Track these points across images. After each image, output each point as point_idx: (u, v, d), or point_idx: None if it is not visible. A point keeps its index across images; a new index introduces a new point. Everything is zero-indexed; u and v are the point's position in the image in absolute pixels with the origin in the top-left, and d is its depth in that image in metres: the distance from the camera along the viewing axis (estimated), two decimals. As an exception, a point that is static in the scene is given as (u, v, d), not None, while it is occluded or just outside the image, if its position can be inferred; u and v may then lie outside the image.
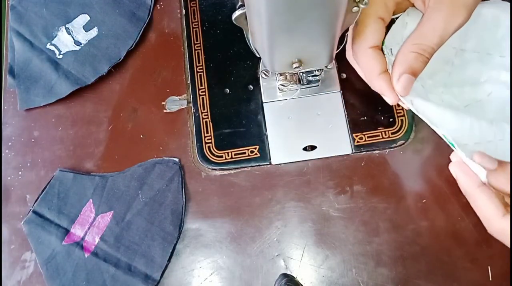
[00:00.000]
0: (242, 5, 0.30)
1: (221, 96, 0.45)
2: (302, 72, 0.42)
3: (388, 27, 0.35)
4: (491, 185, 0.29)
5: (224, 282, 0.41)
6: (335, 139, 0.43)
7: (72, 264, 0.41)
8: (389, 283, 0.39)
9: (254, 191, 0.42)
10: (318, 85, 0.44)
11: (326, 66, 0.42)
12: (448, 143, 0.31)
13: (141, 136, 0.45)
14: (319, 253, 0.40)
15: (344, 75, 0.44)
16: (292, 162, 0.43)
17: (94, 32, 0.48)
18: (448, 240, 0.39)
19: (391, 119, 0.43)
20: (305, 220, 0.41)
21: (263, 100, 0.44)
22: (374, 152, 0.42)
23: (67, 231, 0.43)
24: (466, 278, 0.38)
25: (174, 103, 0.46)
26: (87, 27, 0.48)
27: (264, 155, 0.43)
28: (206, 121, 0.44)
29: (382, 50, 0.34)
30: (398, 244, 0.40)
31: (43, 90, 0.46)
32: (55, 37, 0.48)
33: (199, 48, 0.47)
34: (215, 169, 0.43)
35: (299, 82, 0.43)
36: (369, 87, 0.34)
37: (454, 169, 0.32)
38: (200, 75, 0.46)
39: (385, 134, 0.42)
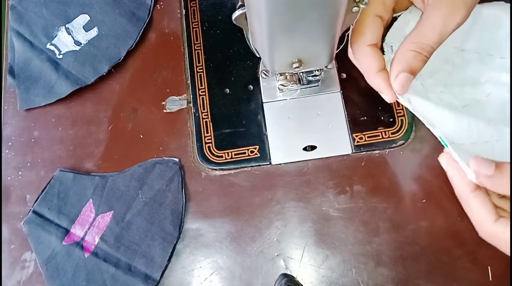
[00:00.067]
0: (242, 5, 0.30)
1: (221, 96, 0.45)
2: (302, 72, 0.42)
3: (390, 25, 0.35)
4: (488, 188, 0.29)
5: (224, 282, 0.41)
6: (335, 139, 0.43)
7: (72, 264, 0.41)
8: (389, 283, 0.39)
9: (254, 191, 0.42)
10: (318, 85, 0.44)
11: (326, 66, 0.42)
12: (443, 144, 0.31)
13: (141, 136, 0.45)
14: (319, 253, 0.40)
15: (344, 75, 0.44)
16: (292, 162, 0.43)
17: (94, 32, 0.48)
18: (448, 240, 0.39)
19: (391, 119, 0.43)
20: (305, 220, 0.41)
21: (263, 100, 0.44)
22: (374, 152, 0.42)
23: (67, 231, 0.43)
24: (466, 278, 0.38)
25: (174, 103, 0.46)
26: (87, 27, 0.48)
27: (264, 155, 0.43)
28: (206, 121, 0.44)
29: (382, 47, 0.34)
30: (398, 244, 0.40)
31: (43, 90, 0.46)
32: (55, 37, 0.48)
33: (199, 48, 0.47)
34: (215, 169, 0.43)
35: (299, 82, 0.43)
36: (369, 87, 0.34)
37: (446, 165, 0.32)
38: (200, 75, 0.46)
39: (385, 134, 0.42)
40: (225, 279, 0.41)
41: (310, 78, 0.43)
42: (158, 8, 0.49)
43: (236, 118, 0.44)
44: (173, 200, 0.42)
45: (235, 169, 0.43)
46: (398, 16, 0.35)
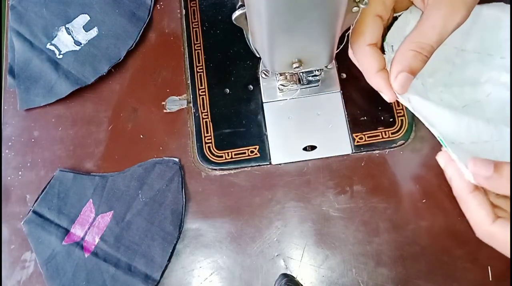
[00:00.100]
0: (242, 5, 0.30)
1: (221, 96, 0.45)
2: (302, 72, 0.42)
3: (391, 25, 0.35)
4: (488, 189, 0.29)
5: (224, 282, 0.41)
6: (335, 139, 0.43)
7: (72, 264, 0.41)
8: (389, 283, 0.39)
9: (254, 191, 0.42)
10: (318, 85, 0.44)
11: (326, 66, 0.42)
12: (442, 144, 0.31)
13: (141, 136, 0.45)
14: (319, 253, 0.40)
15: (344, 75, 0.44)
16: (292, 162, 0.43)
17: (94, 32, 0.48)
18: (448, 240, 0.39)
19: (391, 119, 0.43)
20: (305, 220, 0.41)
21: (263, 100, 0.44)
22: (374, 152, 0.42)
23: (67, 231, 0.43)
24: (466, 278, 0.38)
25: (174, 103, 0.46)
26: (87, 27, 0.48)
27: (264, 155, 0.43)
28: (206, 121, 0.44)
29: (382, 47, 0.34)
30: (398, 244, 0.40)
31: (43, 90, 0.46)
32: (55, 37, 0.48)
33: (199, 48, 0.47)
34: (215, 169, 0.43)
35: (299, 82, 0.43)
36: (369, 87, 0.34)
37: (444, 164, 0.32)
38: (200, 75, 0.46)
39: (385, 134, 0.42)
40: (225, 279, 0.41)
41: (310, 78, 0.43)
42: (158, 8, 0.49)
43: (236, 118, 0.44)
44: (173, 200, 0.42)
45: (235, 169, 0.43)
46: (399, 16, 0.35)
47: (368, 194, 0.41)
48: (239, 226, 0.42)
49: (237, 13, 0.31)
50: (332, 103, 0.44)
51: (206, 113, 0.45)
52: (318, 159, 0.43)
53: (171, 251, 0.41)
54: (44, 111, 0.47)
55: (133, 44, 0.47)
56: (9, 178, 0.45)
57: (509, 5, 0.35)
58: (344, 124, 0.43)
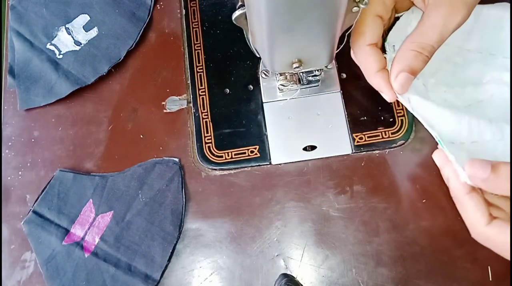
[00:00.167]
0: (242, 5, 0.30)
1: (221, 96, 0.45)
2: (302, 72, 0.42)
3: (392, 25, 0.35)
4: (486, 190, 0.29)
5: (224, 282, 0.41)
6: (335, 139, 0.43)
7: (72, 264, 0.41)
8: (389, 283, 0.39)
9: (254, 191, 0.42)
10: (318, 85, 0.44)
11: (326, 66, 0.42)
12: (440, 144, 0.31)
13: (141, 136, 0.45)
14: (319, 253, 0.40)
15: (344, 75, 0.44)
16: (292, 162, 0.43)
17: (94, 32, 0.48)
18: (448, 240, 0.39)
19: (391, 119, 0.43)
20: (305, 220, 0.41)
21: (263, 100, 0.44)
22: (374, 152, 0.42)
23: (67, 231, 0.43)
24: (466, 278, 0.38)
25: (174, 103, 0.46)
26: (87, 27, 0.48)
27: (264, 155, 0.43)
28: (206, 121, 0.44)
29: (384, 46, 0.34)
30: (398, 244, 0.40)
31: (43, 90, 0.46)
32: (55, 37, 0.48)
33: (199, 48, 0.47)
34: (215, 169, 0.43)
35: (299, 82, 0.43)
36: (369, 87, 0.34)
37: (440, 163, 0.32)
38: (200, 75, 0.46)
39: (385, 134, 0.42)
40: (225, 279, 0.41)
41: (310, 78, 0.43)
42: (158, 8, 0.49)
43: (236, 118, 0.44)
44: (173, 200, 0.42)
45: (235, 169, 0.43)
46: (400, 16, 0.35)
47: (368, 194, 0.41)
48: (239, 226, 0.42)
49: (237, 13, 0.31)
50: (332, 103, 0.44)
51: (206, 113, 0.45)
52: (318, 159, 0.43)
53: (171, 251, 0.41)
54: (44, 111, 0.47)
55: (133, 44, 0.47)
56: (9, 178, 0.45)
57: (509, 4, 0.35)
58: (344, 124, 0.43)
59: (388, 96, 0.33)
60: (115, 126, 0.46)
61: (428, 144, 0.42)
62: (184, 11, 0.48)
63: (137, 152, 0.45)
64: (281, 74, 0.41)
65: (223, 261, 0.41)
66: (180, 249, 0.42)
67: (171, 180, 0.43)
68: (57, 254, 0.42)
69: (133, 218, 0.42)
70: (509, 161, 0.28)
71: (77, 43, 0.47)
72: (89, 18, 0.48)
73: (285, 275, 0.39)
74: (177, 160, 0.44)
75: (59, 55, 0.47)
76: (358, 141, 0.42)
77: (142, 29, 0.47)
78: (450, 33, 0.30)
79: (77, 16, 0.48)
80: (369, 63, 0.33)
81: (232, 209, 0.42)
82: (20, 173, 0.45)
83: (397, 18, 0.36)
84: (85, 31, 0.48)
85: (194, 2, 0.48)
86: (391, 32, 0.35)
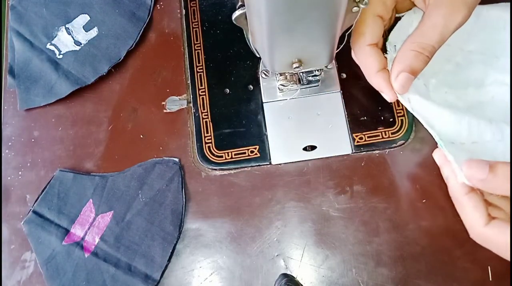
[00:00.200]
0: (242, 5, 0.30)
1: (221, 96, 0.45)
2: (302, 72, 0.42)
3: (394, 25, 0.35)
4: (485, 191, 0.29)
5: (224, 282, 0.41)
6: (335, 139, 0.43)
7: (72, 264, 0.41)
8: (389, 283, 0.39)
9: (254, 191, 0.42)
10: (318, 85, 0.44)
11: (326, 66, 0.42)
12: (439, 144, 0.31)
13: (141, 136, 0.45)
14: (319, 253, 0.40)
15: (344, 75, 0.44)
16: (292, 162, 0.43)
17: (94, 32, 0.48)
18: (448, 240, 0.39)
19: (391, 119, 0.43)
20: (305, 220, 0.41)
21: (263, 100, 0.44)
22: (374, 152, 0.42)
23: (67, 231, 0.43)
24: (466, 278, 0.38)
25: (174, 103, 0.46)
26: (87, 27, 0.48)
27: (264, 155, 0.43)
28: (206, 121, 0.44)
29: (384, 46, 0.34)
30: (398, 244, 0.40)
31: (43, 90, 0.46)
32: (55, 37, 0.48)
33: (199, 48, 0.47)
34: (215, 169, 0.43)
35: (299, 82, 0.43)
36: (369, 87, 0.34)
37: (440, 162, 0.32)
38: (200, 75, 0.46)
39: (385, 134, 0.42)
40: (225, 279, 0.41)
41: (310, 78, 0.43)
42: (158, 8, 0.49)
43: (236, 118, 0.44)
44: (173, 200, 0.42)
45: (235, 169, 0.43)
46: (402, 16, 0.35)
47: (368, 194, 0.41)
48: (239, 226, 0.42)
49: (237, 13, 0.31)
50: (332, 103, 0.44)
51: (206, 113, 0.45)
52: (318, 159, 0.43)
53: (171, 251, 0.41)
54: (44, 111, 0.47)
55: (133, 44, 0.47)
56: (9, 178, 0.45)
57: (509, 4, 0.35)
58: (344, 124, 0.43)
59: (388, 96, 0.33)
60: (115, 126, 0.46)
61: (428, 144, 0.42)
62: (184, 11, 0.48)
63: (137, 152, 0.45)
64: (281, 74, 0.41)
65: (223, 261, 0.41)
66: (180, 249, 0.42)
67: (171, 180, 0.43)
68: (57, 254, 0.42)
69: (133, 218, 0.42)
70: (508, 161, 0.28)
71: (77, 43, 0.47)
72: (89, 18, 0.48)
73: (285, 275, 0.39)
74: (177, 160, 0.44)
75: (59, 55, 0.47)
76: (358, 142, 0.42)
77: (142, 29, 0.47)
78: (450, 33, 0.30)
79: (77, 16, 0.48)
80: (369, 63, 0.33)
81: (232, 209, 0.42)
82: (20, 173, 0.45)
83: (399, 18, 0.36)
84: (85, 31, 0.48)
85: (194, 2, 0.48)
86: (392, 32, 0.35)
